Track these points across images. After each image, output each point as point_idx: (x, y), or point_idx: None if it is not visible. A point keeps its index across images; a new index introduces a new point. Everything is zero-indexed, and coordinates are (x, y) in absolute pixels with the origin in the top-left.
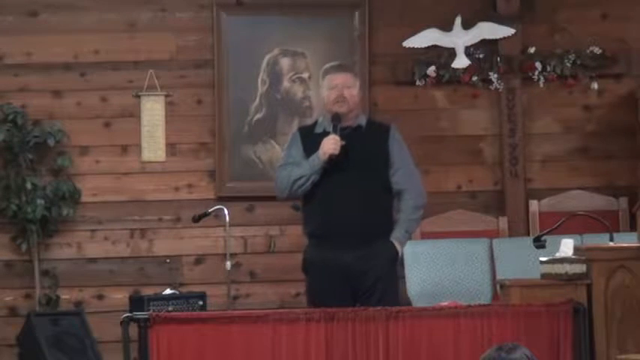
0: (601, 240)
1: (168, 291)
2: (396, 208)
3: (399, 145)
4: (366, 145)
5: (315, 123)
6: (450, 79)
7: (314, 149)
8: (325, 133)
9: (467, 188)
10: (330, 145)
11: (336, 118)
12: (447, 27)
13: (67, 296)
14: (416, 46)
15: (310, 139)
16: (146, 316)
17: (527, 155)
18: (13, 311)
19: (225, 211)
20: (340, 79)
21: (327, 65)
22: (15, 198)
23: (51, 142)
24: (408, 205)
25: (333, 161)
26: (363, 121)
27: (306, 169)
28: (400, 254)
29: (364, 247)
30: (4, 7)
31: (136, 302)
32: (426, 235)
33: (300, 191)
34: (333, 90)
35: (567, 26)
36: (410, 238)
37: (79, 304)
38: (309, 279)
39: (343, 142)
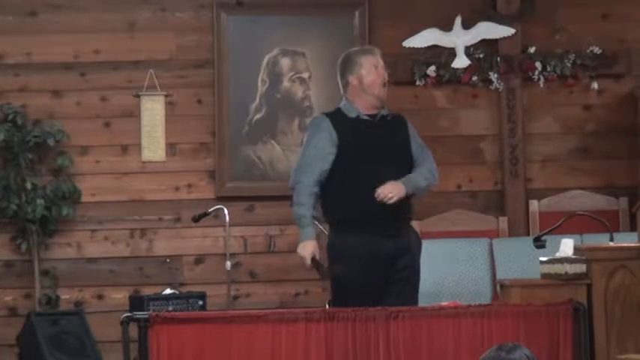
0: (601, 240)
1: (168, 291)
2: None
3: (414, 133)
4: (392, 134)
5: (338, 110)
6: (450, 79)
7: (350, 134)
8: (360, 119)
9: (467, 188)
10: (308, 252)
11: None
12: (447, 27)
13: (67, 296)
14: (416, 46)
15: (344, 124)
16: (146, 316)
17: (527, 155)
18: (13, 311)
19: (225, 211)
20: (381, 61)
21: (364, 47)
22: (15, 198)
23: (51, 142)
24: (424, 168)
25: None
26: (386, 110)
27: (304, 218)
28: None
29: (398, 234)
30: (4, 7)
31: (136, 302)
32: (426, 235)
33: None
34: (378, 71)
35: (567, 26)
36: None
37: (79, 304)
38: (342, 265)
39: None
